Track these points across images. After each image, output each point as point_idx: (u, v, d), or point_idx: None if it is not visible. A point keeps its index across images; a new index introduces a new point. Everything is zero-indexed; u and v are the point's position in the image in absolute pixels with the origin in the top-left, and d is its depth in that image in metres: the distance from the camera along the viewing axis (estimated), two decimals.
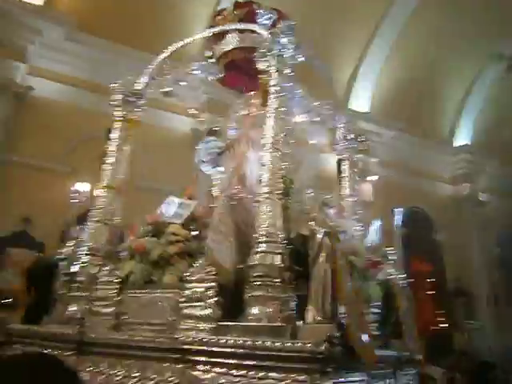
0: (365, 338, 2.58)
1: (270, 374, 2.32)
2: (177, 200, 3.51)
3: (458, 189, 14.85)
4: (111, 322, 3.17)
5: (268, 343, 2.31)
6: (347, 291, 2.49)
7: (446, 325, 11.25)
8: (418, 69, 12.86)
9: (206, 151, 4.21)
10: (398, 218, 4.29)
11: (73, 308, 3.45)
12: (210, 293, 2.80)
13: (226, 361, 2.46)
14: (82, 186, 4.24)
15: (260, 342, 2.33)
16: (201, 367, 2.54)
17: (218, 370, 2.48)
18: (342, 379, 2.38)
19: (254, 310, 2.67)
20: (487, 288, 13.93)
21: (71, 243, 3.92)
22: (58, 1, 9.71)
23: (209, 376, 2.49)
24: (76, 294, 3.48)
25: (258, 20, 3.96)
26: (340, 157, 4.67)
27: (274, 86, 3.32)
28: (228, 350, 2.44)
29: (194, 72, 4.41)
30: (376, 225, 4.28)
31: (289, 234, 2.86)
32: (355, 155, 4.70)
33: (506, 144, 14.23)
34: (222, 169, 4.16)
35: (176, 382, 2.62)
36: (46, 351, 3.23)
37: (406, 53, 12.72)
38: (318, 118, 4.64)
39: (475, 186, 14.87)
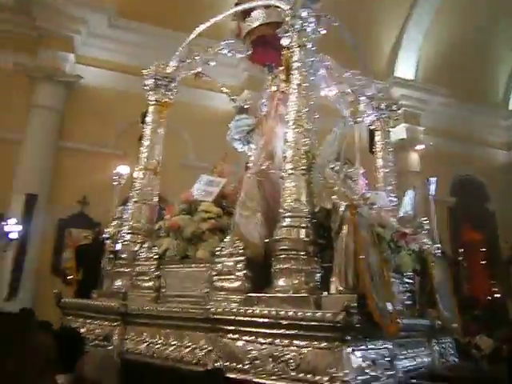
0: (388, 307, 2.63)
1: (294, 342, 2.44)
2: (206, 178, 3.64)
3: None
4: (151, 295, 3.41)
5: (291, 313, 2.43)
6: (367, 263, 2.53)
7: (500, 294, 10.93)
8: (464, 32, 12.13)
9: (237, 129, 4.30)
10: (431, 188, 4.20)
11: (117, 283, 3.72)
12: (239, 266, 2.95)
13: (254, 329, 2.60)
14: (123, 169, 4.46)
15: (283, 312, 2.45)
16: (231, 336, 2.70)
17: (246, 338, 2.63)
18: (363, 347, 2.45)
19: (281, 282, 2.78)
20: None
21: (115, 223, 4.18)
22: None
23: (239, 344, 2.65)
24: (120, 270, 3.75)
25: None
26: (372, 127, 4.62)
27: (296, 61, 3.33)
28: (255, 319, 2.58)
29: (223, 51, 4.47)
30: (410, 195, 4.23)
31: (313, 208, 2.92)
32: (389, 125, 4.62)
33: None
34: (253, 146, 4.25)
35: (209, 349, 2.80)
36: (95, 322, 3.54)
37: (451, 16, 12.04)
38: (349, 90, 4.59)
39: None
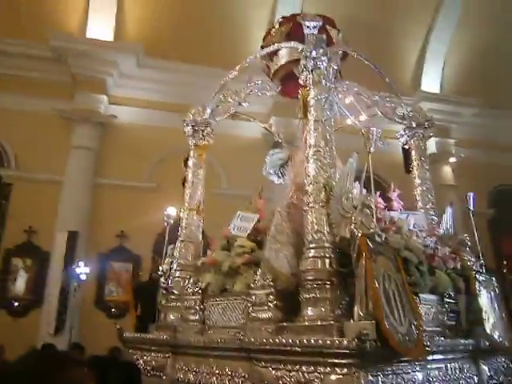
0: (413, 330, 2.69)
1: (317, 368, 2.58)
2: (241, 214, 3.91)
3: None
4: (198, 327, 3.69)
5: (311, 341, 2.58)
6: (382, 289, 2.63)
7: None
8: (488, 40, 11.65)
9: (271, 164, 4.55)
10: (471, 202, 4.14)
11: (170, 317, 4.06)
12: (270, 298, 3.15)
13: (282, 357, 2.78)
14: (172, 210, 4.89)
15: (305, 340, 2.61)
16: (263, 364, 2.89)
17: (276, 365, 2.81)
18: (387, 372, 2.53)
19: (308, 311, 2.94)
20: None
21: (167, 260, 4.56)
22: (125, 33, 10.94)
23: (270, 371, 2.83)
24: (171, 304, 4.09)
25: (305, 31, 4.20)
26: (406, 146, 4.65)
27: (312, 98, 3.54)
28: (281, 347, 2.76)
29: (253, 92, 4.78)
30: (449, 211, 4.20)
31: (334, 239, 3.06)
32: (423, 142, 4.63)
33: None
34: (287, 179, 4.46)
35: (246, 376, 3.01)
36: (151, 354, 3.88)
37: (473, 25, 11.70)
38: (379, 113, 4.68)
39: None
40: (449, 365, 3.18)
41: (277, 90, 4.81)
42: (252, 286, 3.30)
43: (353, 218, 2.96)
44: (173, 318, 4.02)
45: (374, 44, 11.19)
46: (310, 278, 2.99)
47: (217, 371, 3.26)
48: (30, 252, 9.33)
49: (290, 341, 2.71)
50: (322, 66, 3.60)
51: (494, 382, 3.54)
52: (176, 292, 4.09)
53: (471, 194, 4.18)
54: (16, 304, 8.88)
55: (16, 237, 9.34)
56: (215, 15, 11.16)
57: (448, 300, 3.63)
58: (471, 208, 4.10)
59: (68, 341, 7.36)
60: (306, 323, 2.87)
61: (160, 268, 4.58)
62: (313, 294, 2.95)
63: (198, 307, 3.74)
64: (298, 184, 3.98)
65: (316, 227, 3.10)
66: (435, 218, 4.31)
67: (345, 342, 2.43)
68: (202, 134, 4.67)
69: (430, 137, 4.64)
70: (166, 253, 4.59)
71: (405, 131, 4.68)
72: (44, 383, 1.52)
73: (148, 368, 3.80)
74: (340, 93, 4.73)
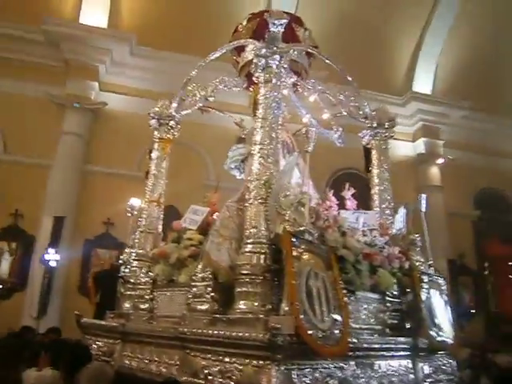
0: (334, 328, 2.77)
1: (237, 360, 2.68)
2: (193, 208, 4.00)
3: None
4: (147, 316, 3.81)
5: (232, 333, 2.67)
6: (303, 286, 2.71)
7: None
8: (481, 44, 11.69)
9: (232, 159, 4.62)
10: (422, 204, 4.19)
11: (126, 305, 4.17)
12: (208, 290, 3.25)
13: (210, 348, 2.88)
14: (136, 201, 4.99)
15: (224, 333, 2.71)
16: (194, 353, 3.00)
17: (204, 355, 2.91)
18: (303, 366, 2.61)
19: (241, 305, 3.03)
20: None
21: (128, 250, 4.66)
22: (119, 21, 11.01)
23: (198, 360, 2.94)
24: (127, 293, 4.20)
25: (271, 28, 4.24)
26: (368, 146, 4.71)
27: (262, 96, 3.60)
28: (209, 339, 2.86)
29: (219, 87, 4.84)
30: (401, 212, 4.26)
31: (270, 235, 3.15)
32: (384, 142, 4.68)
33: None
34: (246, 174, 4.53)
35: (180, 364, 3.12)
36: (103, 340, 4.01)
37: (467, 29, 11.71)
38: (344, 112, 4.73)
39: None
40: (380, 362, 3.25)
41: (243, 85, 4.87)
42: (193, 278, 3.40)
43: (287, 215, 3.03)
44: (128, 306, 4.13)
45: (368, 43, 11.21)
46: (245, 272, 3.07)
47: (156, 359, 3.37)
48: (15, 235, 9.44)
49: (216, 332, 2.81)
50: (273, 65, 3.65)
51: (432, 380, 3.62)
52: (132, 281, 4.19)
53: (423, 196, 4.24)
54: (0, 287, 9.04)
55: (2, 220, 9.43)
56: (209, 7, 11.19)
57: (390, 299, 3.71)
58: (423, 210, 4.16)
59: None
60: (237, 316, 2.96)
61: (120, 257, 4.70)
62: (245, 288, 3.04)
63: (147, 296, 3.86)
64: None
65: (253, 223, 3.19)
66: (390, 218, 4.37)
67: (259, 336, 2.51)
68: (167, 128, 4.74)
69: (391, 137, 4.67)
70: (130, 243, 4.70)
71: (367, 131, 4.72)
72: None
73: (99, 353, 3.92)
74: (305, 91, 4.83)
